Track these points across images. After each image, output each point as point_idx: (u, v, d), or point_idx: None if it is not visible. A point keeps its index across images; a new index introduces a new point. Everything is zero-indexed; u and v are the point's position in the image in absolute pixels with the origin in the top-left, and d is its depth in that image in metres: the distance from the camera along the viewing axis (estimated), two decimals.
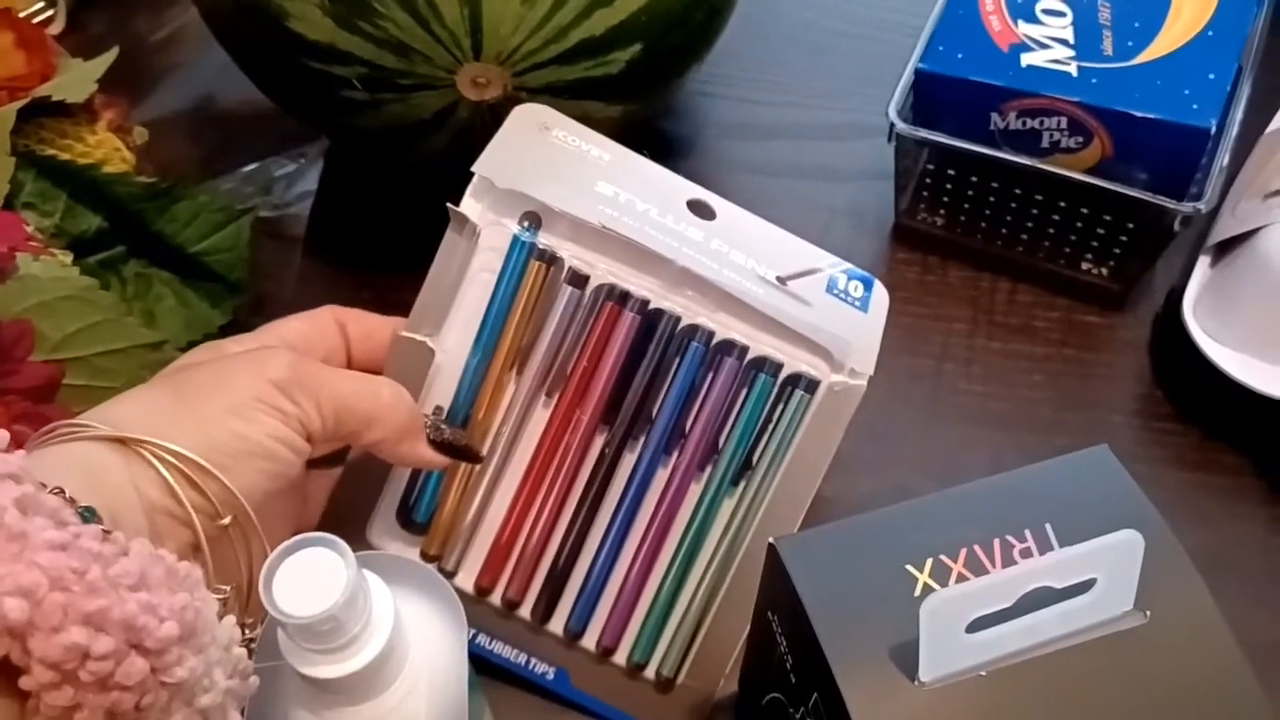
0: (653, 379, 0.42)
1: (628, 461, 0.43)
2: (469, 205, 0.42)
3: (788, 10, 0.67)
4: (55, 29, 0.64)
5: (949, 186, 0.55)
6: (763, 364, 0.42)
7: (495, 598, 0.43)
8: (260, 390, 0.34)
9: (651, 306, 0.42)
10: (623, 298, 0.42)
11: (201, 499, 0.32)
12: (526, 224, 0.42)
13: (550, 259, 0.42)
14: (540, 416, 0.43)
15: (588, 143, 0.45)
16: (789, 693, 0.36)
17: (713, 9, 0.50)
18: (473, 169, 0.41)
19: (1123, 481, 0.32)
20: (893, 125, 0.52)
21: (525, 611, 0.43)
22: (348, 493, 0.43)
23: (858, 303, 0.45)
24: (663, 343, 0.42)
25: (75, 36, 0.66)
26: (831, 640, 0.31)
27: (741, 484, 0.43)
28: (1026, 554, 0.32)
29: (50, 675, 0.24)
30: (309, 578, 0.29)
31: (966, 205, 0.55)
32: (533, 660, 0.44)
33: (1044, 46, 0.51)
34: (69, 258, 0.44)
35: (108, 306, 0.41)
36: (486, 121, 0.48)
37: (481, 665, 0.43)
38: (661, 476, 0.43)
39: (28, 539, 0.25)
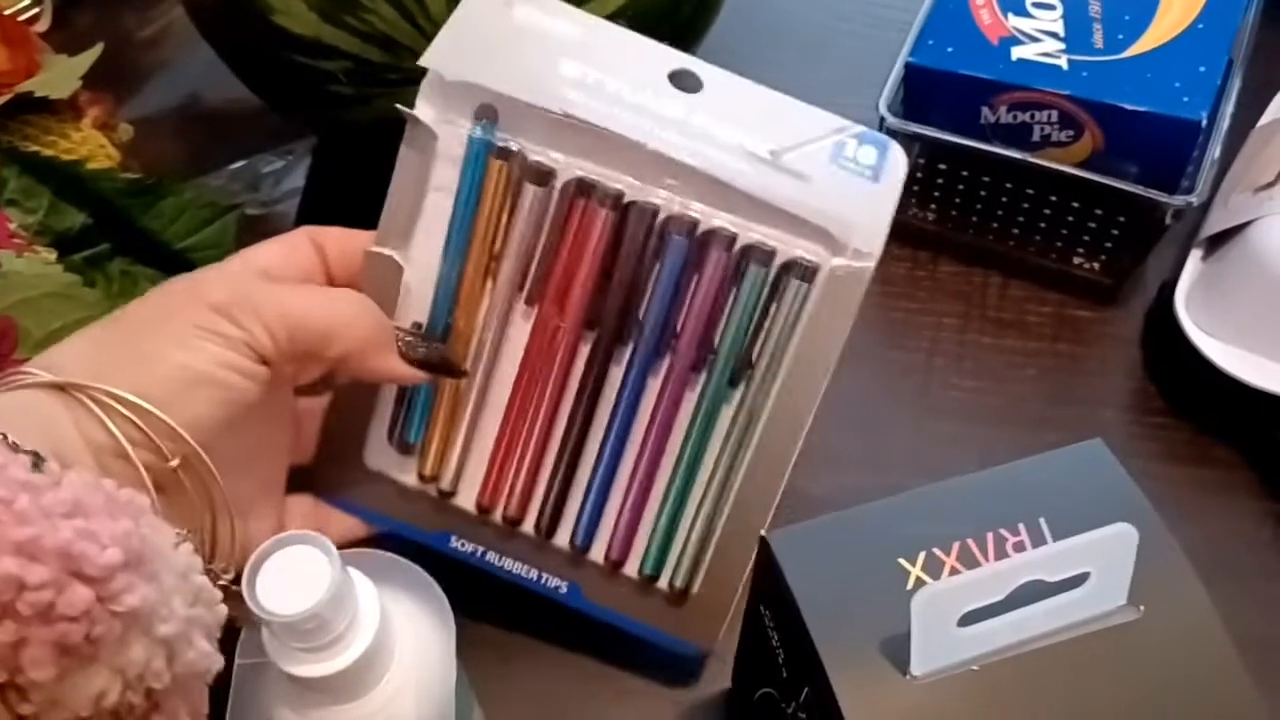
0: (634, 279, 0.40)
1: (617, 368, 0.41)
2: (422, 108, 0.39)
3: (778, 4, 0.67)
4: (41, 26, 0.63)
5: (940, 181, 0.54)
6: (753, 253, 0.39)
7: (497, 516, 0.42)
8: (199, 317, 0.33)
9: (626, 200, 0.39)
10: (592, 192, 0.39)
11: (147, 439, 0.32)
12: (483, 120, 0.39)
13: (511, 155, 0.39)
14: (522, 326, 0.40)
15: (554, 16, 0.40)
16: (781, 687, 0.36)
17: (700, 3, 0.50)
18: (420, 61, 0.38)
19: (1117, 475, 0.32)
20: (883, 120, 0.51)
21: (528, 527, 0.42)
22: (340, 418, 0.42)
23: (868, 171, 0.40)
24: (641, 239, 0.39)
25: (61, 33, 0.65)
26: (823, 634, 0.31)
27: (741, 385, 0.40)
28: (1020, 547, 0.32)
29: None
30: (293, 575, 0.29)
31: (957, 200, 0.55)
32: (544, 575, 0.42)
33: (1034, 40, 0.51)
34: (53, 255, 0.43)
35: (91, 304, 0.41)
36: None
37: (493, 584, 0.42)
38: (654, 382, 0.41)
39: None
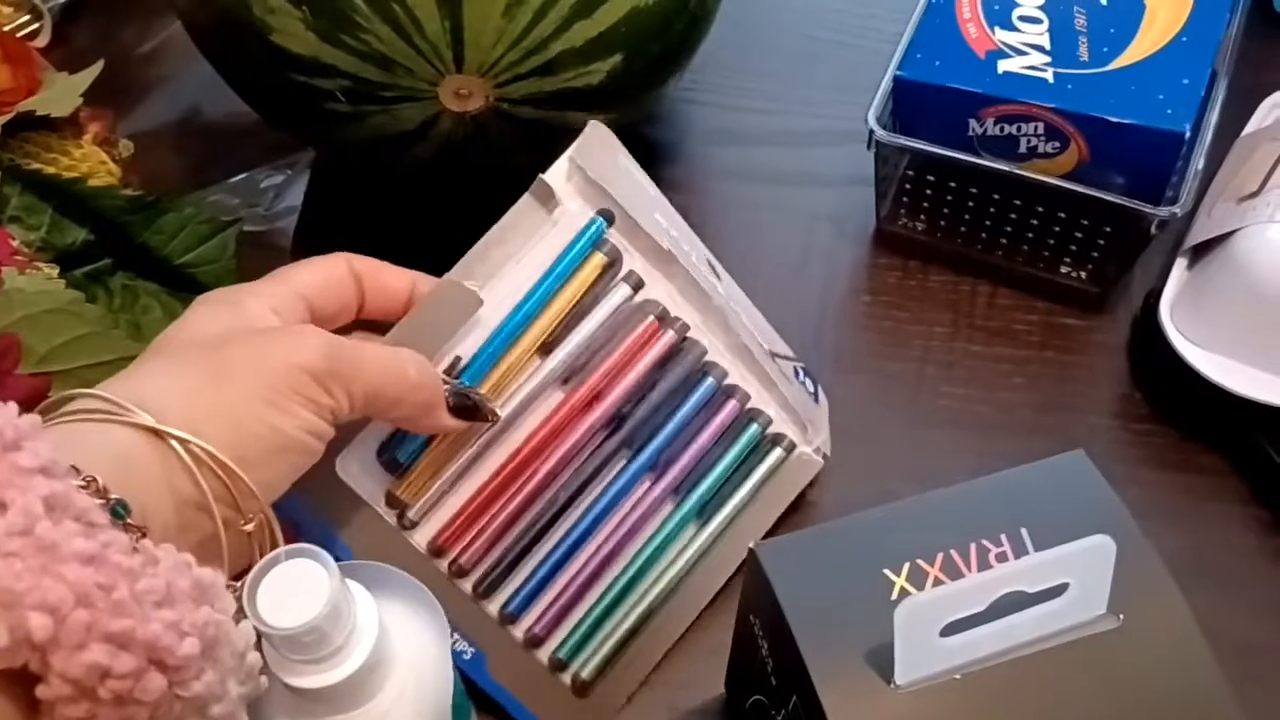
0: (664, 400, 0.44)
1: (615, 469, 0.44)
2: (556, 179, 0.42)
3: (769, 18, 0.68)
4: (41, 42, 0.64)
5: (929, 192, 0.55)
6: (757, 415, 0.46)
7: (444, 562, 0.43)
8: (296, 381, 0.34)
9: (689, 335, 0.45)
10: (665, 317, 0.44)
11: (226, 493, 0.32)
12: (603, 217, 0.43)
13: (614, 255, 0.44)
14: (549, 402, 0.43)
15: (643, 176, 0.47)
16: (770, 695, 0.37)
17: (692, 19, 0.50)
18: (568, 154, 0.43)
19: (1098, 486, 0.33)
20: (872, 132, 0.52)
21: (468, 584, 0.43)
22: None
23: (812, 394, 0.49)
24: (686, 369, 0.45)
25: (61, 49, 0.66)
26: (809, 643, 0.32)
27: (702, 521, 0.45)
28: (1002, 558, 0.33)
29: (68, 690, 0.24)
30: (292, 589, 0.30)
31: (946, 210, 0.56)
32: (456, 635, 0.43)
33: (1020, 53, 0.52)
34: (55, 271, 0.44)
35: (93, 319, 0.41)
36: (469, 133, 0.49)
37: None
38: (639, 492, 0.44)
39: (56, 550, 0.25)
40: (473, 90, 0.46)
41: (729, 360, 0.45)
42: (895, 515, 0.35)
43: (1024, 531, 0.32)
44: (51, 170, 0.46)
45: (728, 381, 0.45)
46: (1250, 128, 0.56)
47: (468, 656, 0.43)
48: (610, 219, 0.43)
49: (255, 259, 0.56)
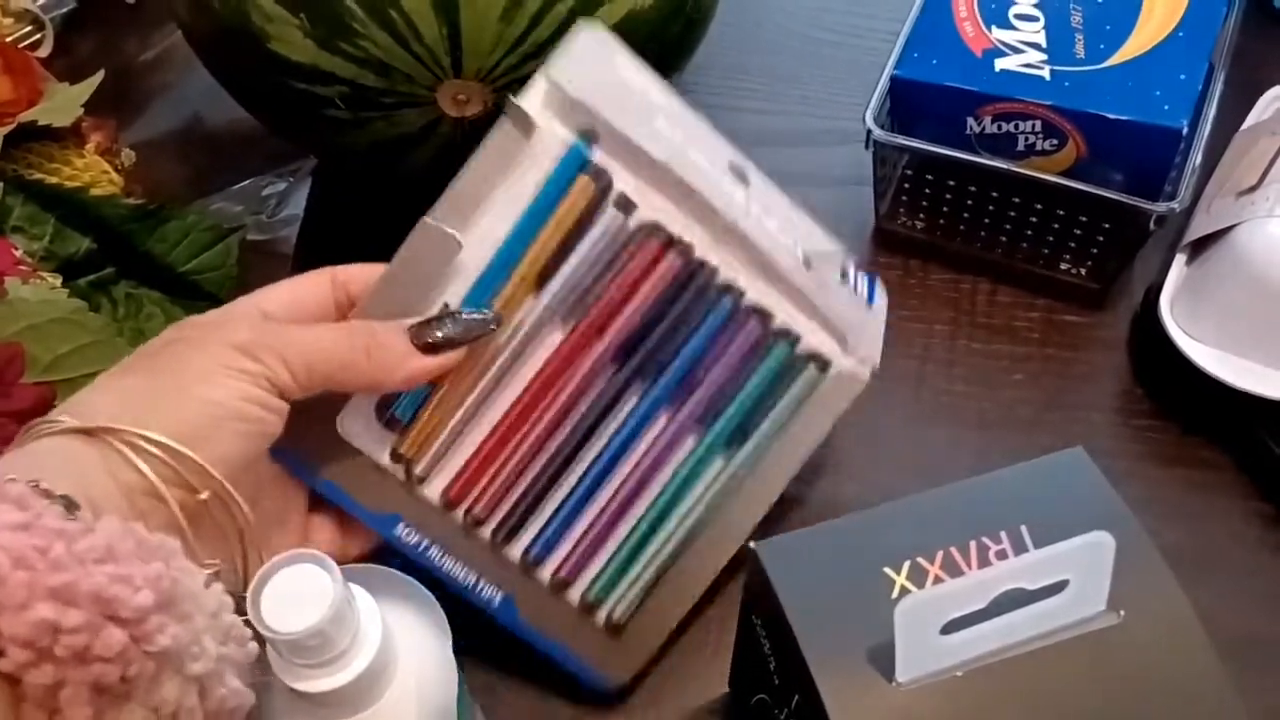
0: (675, 326, 0.42)
1: (629, 403, 0.42)
2: (531, 103, 0.39)
3: (767, 19, 0.68)
4: (43, 52, 0.64)
5: (927, 190, 0.55)
6: (783, 334, 0.42)
7: (459, 512, 0.42)
8: (223, 356, 0.35)
9: (695, 255, 0.41)
10: (668, 240, 0.41)
11: (178, 477, 0.33)
12: (586, 137, 0.40)
13: (601, 178, 0.40)
14: (551, 340, 0.41)
15: (646, 77, 0.43)
16: (773, 693, 0.37)
17: (689, 21, 0.50)
18: (541, 71, 0.40)
19: (1097, 482, 0.33)
20: (869, 132, 0.52)
21: (487, 531, 0.42)
22: None
23: (863, 296, 0.45)
24: (695, 292, 0.41)
25: (63, 59, 0.66)
26: (810, 642, 0.32)
27: (733, 448, 0.43)
28: (1002, 555, 0.33)
29: (25, 654, 0.24)
30: (296, 593, 0.30)
31: (945, 208, 0.56)
32: (481, 583, 0.42)
33: (1017, 51, 0.52)
34: (59, 280, 0.45)
35: (97, 328, 0.42)
36: (468, 137, 0.49)
37: (430, 586, 0.40)
38: (658, 424, 0.42)
39: None
40: (471, 95, 0.47)
41: (747, 277, 0.42)
42: (895, 513, 0.35)
43: (1023, 529, 0.32)
44: (54, 180, 0.47)
45: (747, 301, 0.42)
46: (1248, 122, 0.56)
47: (496, 603, 0.42)
48: (594, 138, 0.40)
49: (258, 266, 0.56)
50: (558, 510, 0.42)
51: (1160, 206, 0.49)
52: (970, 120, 0.52)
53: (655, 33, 0.49)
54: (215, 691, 0.28)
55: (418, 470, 0.41)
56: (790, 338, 0.42)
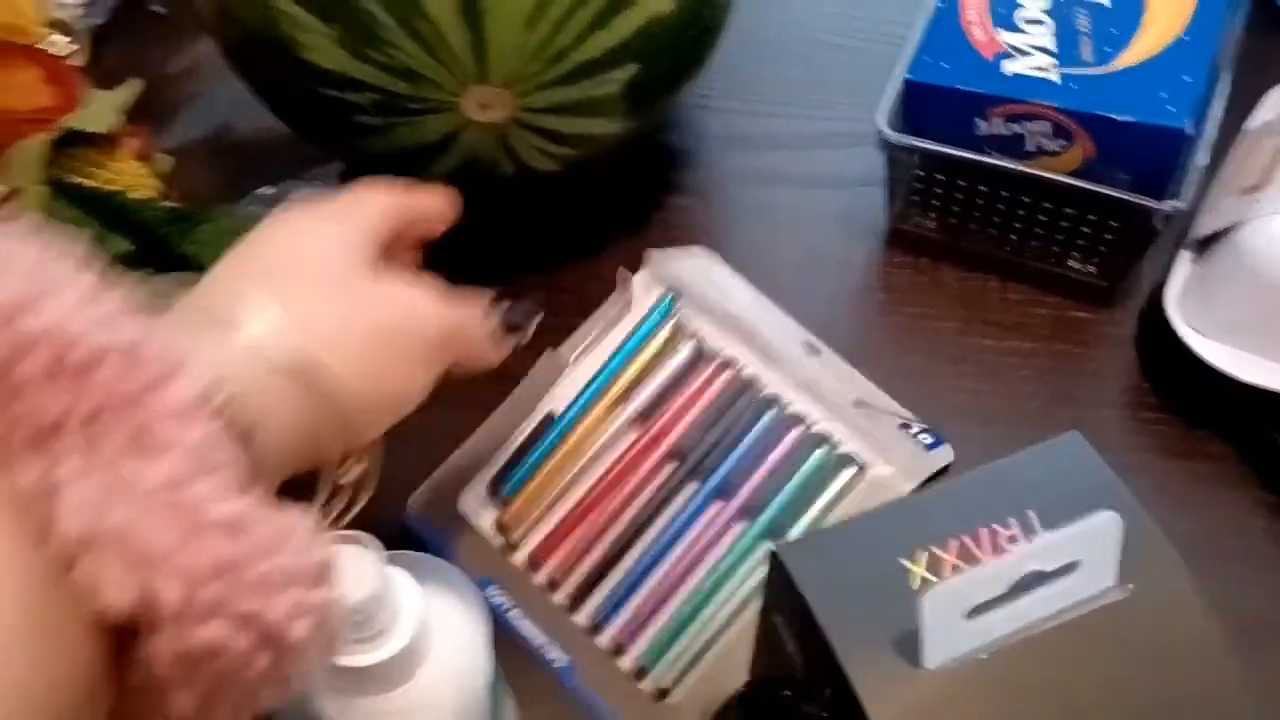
0: (726, 432, 0.50)
1: (685, 494, 0.50)
2: (637, 277, 0.54)
3: (780, 27, 0.69)
4: (77, 61, 0.66)
5: (939, 191, 0.57)
6: (823, 439, 0.50)
7: (542, 575, 0.49)
8: (428, 353, 0.38)
9: (745, 374, 0.51)
10: (724, 363, 0.52)
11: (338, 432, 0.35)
12: (672, 295, 0.54)
13: (681, 323, 0.53)
14: (625, 440, 0.51)
15: (733, 280, 0.55)
16: (799, 688, 0.38)
17: (704, 29, 0.52)
18: (644, 264, 0.54)
19: (1095, 464, 0.34)
20: (881, 132, 0.54)
21: (562, 596, 0.48)
22: (463, 464, 0.52)
23: (920, 443, 0.51)
24: (745, 405, 0.51)
25: (94, 70, 0.68)
26: (838, 635, 0.33)
27: (775, 536, 0.48)
28: (1013, 540, 0.34)
29: (172, 660, 0.24)
30: (341, 572, 0.31)
31: (956, 208, 0.57)
32: (549, 647, 0.47)
33: (1025, 54, 0.53)
34: None
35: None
36: (493, 144, 0.51)
37: (506, 645, 0.45)
38: (709, 514, 0.49)
39: (201, 513, 0.24)
40: (495, 101, 0.48)
41: (795, 396, 0.51)
42: (907, 508, 0.36)
43: (1031, 513, 0.33)
44: (94, 184, 0.48)
45: (789, 411, 0.50)
46: (1253, 123, 0.57)
47: (562, 664, 0.47)
48: (678, 295, 0.53)
49: None
50: (619, 584, 0.48)
51: (1165, 205, 0.50)
52: (980, 122, 0.54)
53: (674, 39, 0.50)
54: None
55: (513, 537, 0.49)
56: (830, 443, 0.50)
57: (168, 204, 0.49)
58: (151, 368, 0.25)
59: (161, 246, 0.49)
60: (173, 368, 0.26)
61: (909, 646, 0.31)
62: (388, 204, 0.41)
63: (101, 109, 0.50)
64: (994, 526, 0.34)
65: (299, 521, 0.27)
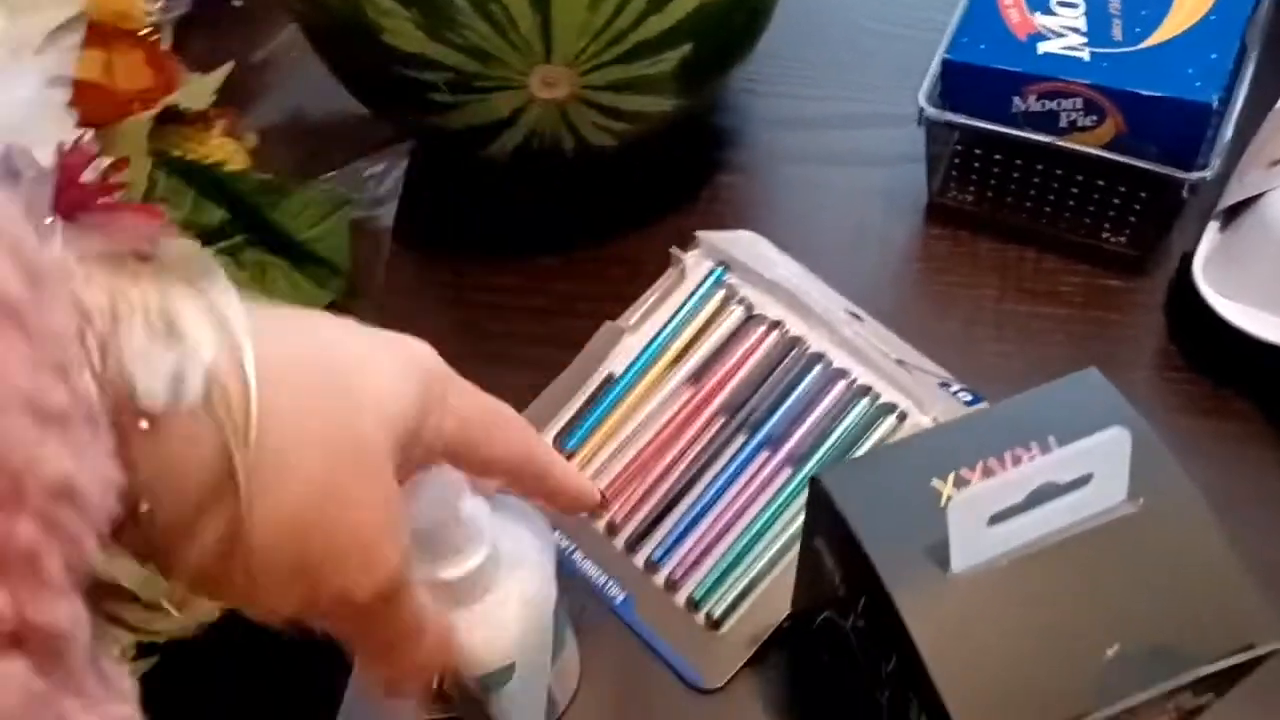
0: (774, 388, 0.54)
1: (735, 445, 0.53)
2: (689, 254, 0.57)
3: (823, 13, 0.72)
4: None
5: (976, 166, 0.60)
6: (864, 391, 0.53)
7: (601, 522, 0.53)
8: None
9: (792, 334, 0.55)
10: (772, 325, 0.55)
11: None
12: (722, 266, 0.57)
13: (731, 291, 0.56)
14: (681, 398, 0.55)
15: (779, 255, 0.59)
16: (839, 606, 0.41)
17: (753, 11, 0.55)
18: (696, 233, 0.58)
19: (1111, 395, 0.37)
20: (922, 110, 0.57)
21: (620, 539, 0.52)
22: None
23: (963, 401, 0.53)
24: (791, 363, 0.54)
25: (181, 58, 0.73)
26: (873, 546, 0.36)
27: None
28: (1033, 460, 0.37)
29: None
30: (420, 494, 0.35)
31: (993, 182, 0.60)
32: (610, 581, 0.51)
33: (1059, 35, 0.56)
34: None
35: (240, 280, 0.47)
36: (555, 119, 0.55)
37: (568, 584, 0.48)
38: (758, 462, 0.52)
39: None
40: (559, 79, 0.52)
41: (837, 353, 0.54)
42: (936, 435, 0.39)
43: (1050, 438, 0.36)
44: (192, 157, 0.53)
45: (834, 367, 0.54)
46: None
47: (619, 600, 0.51)
48: (729, 267, 0.57)
49: (360, 241, 0.62)
50: (675, 527, 0.52)
51: (1192, 175, 0.53)
52: (1016, 99, 0.57)
53: (724, 21, 0.54)
54: None
55: None
56: (871, 394, 0.53)
57: (259, 176, 0.53)
58: (35, 507, 0.19)
59: (253, 216, 0.53)
60: (62, 510, 0.20)
61: (938, 555, 0.35)
62: (471, 401, 0.34)
63: (198, 89, 0.54)
64: (1016, 450, 0.37)
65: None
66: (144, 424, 0.24)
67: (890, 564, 0.35)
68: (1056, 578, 0.34)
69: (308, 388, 0.28)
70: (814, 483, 0.39)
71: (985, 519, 0.34)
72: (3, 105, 0.45)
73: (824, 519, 0.39)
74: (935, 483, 0.38)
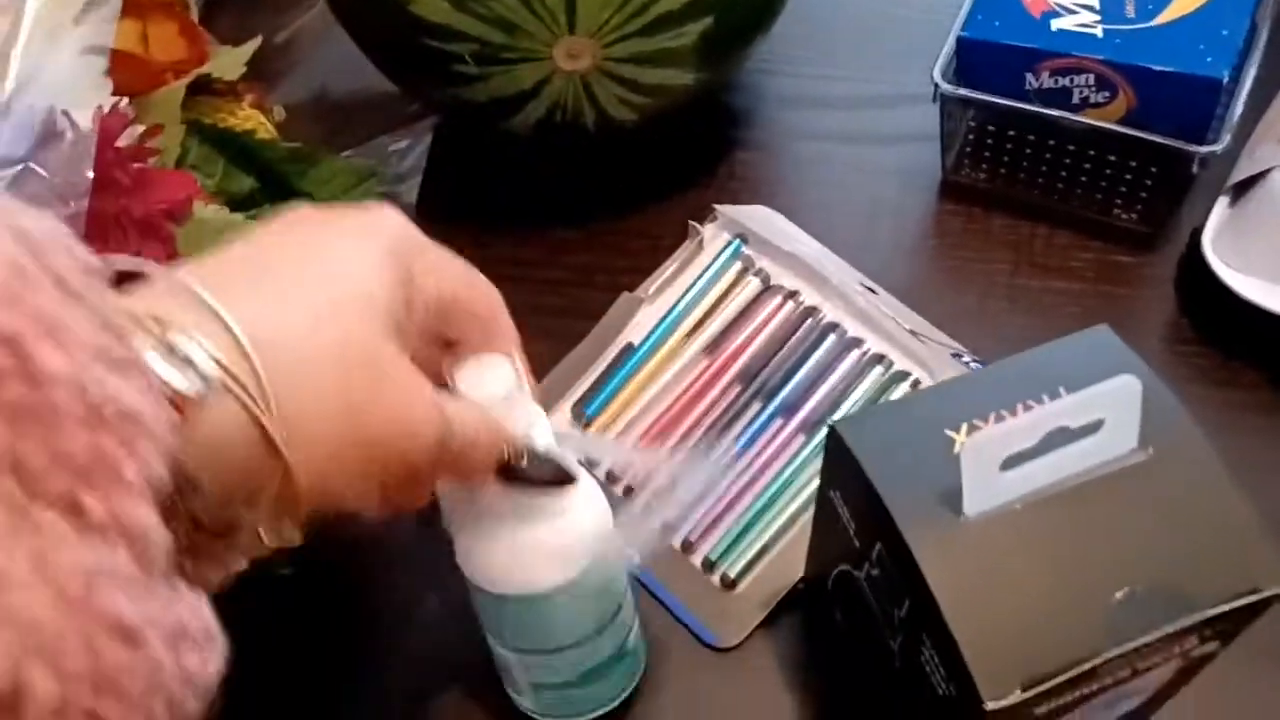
0: (789, 358, 0.55)
1: (751, 412, 0.54)
2: (707, 228, 0.59)
3: None
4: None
5: (990, 143, 0.61)
6: (877, 359, 0.54)
7: (619, 486, 0.53)
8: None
9: (807, 304, 0.56)
10: (787, 295, 0.57)
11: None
12: (740, 239, 0.58)
13: (748, 262, 0.58)
14: (699, 367, 0.56)
15: (794, 229, 0.60)
16: (853, 558, 0.42)
17: None
18: (714, 206, 0.59)
19: (1122, 350, 0.38)
20: (937, 86, 0.58)
21: (638, 504, 0.52)
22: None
23: (970, 369, 0.54)
24: (806, 333, 0.56)
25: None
26: (888, 491, 0.37)
27: None
28: None
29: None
30: (480, 378, 0.37)
31: (1006, 159, 0.61)
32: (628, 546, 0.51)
33: (1072, 12, 0.57)
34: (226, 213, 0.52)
35: None
36: (578, 93, 0.56)
37: None
38: (773, 429, 0.54)
39: (104, 610, 0.21)
40: (582, 51, 0.53)
41: (851, 323, 0.55)
42: (950, 388, 0.40)
43: (1062, 389, 0.37)
44: (223, 126, 0.54)
45: (848, 336, 0.55)
46: None
47: (636, 560, 0.51)
48: (746, 239, 0.58)
49: None
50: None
51: (1202, 149, 0.54)
52: (1029, 76, 0.58)
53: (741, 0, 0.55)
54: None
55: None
56: (885, 362, 0.54)
57: (289, 145, 0.55)
58: (113, 427, 0.22)
59: (282, 184, 0.55)
60: (133, 430, 0.22)
61: (952, 501, 0.36)
62: (449, 270, 0.36)
63: (230, 60, 0.55)
64: (1028, 401, 0.38)
65: (196, 614, 0.24)
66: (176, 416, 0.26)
67: (904, 509, 0.36)
68: (1067, 522, 0.35)
69: (298, 328, 0.30)
70: (831, 431, 0.40)
71: (998, 463, 0.35)
72: (48, 71, 0.46)
73: (840, 468, 0.40)
74: (949, 432, 0.39)
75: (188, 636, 0.23)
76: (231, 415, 0.27)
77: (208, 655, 0.23)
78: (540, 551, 0.40)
